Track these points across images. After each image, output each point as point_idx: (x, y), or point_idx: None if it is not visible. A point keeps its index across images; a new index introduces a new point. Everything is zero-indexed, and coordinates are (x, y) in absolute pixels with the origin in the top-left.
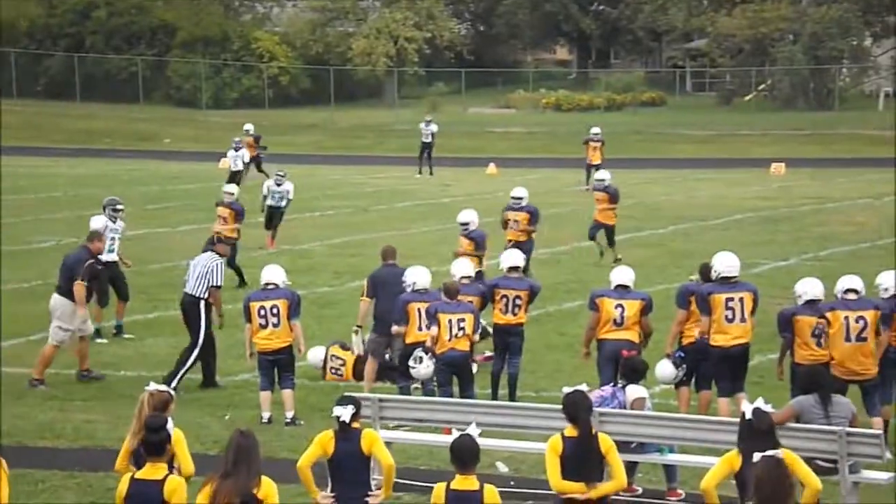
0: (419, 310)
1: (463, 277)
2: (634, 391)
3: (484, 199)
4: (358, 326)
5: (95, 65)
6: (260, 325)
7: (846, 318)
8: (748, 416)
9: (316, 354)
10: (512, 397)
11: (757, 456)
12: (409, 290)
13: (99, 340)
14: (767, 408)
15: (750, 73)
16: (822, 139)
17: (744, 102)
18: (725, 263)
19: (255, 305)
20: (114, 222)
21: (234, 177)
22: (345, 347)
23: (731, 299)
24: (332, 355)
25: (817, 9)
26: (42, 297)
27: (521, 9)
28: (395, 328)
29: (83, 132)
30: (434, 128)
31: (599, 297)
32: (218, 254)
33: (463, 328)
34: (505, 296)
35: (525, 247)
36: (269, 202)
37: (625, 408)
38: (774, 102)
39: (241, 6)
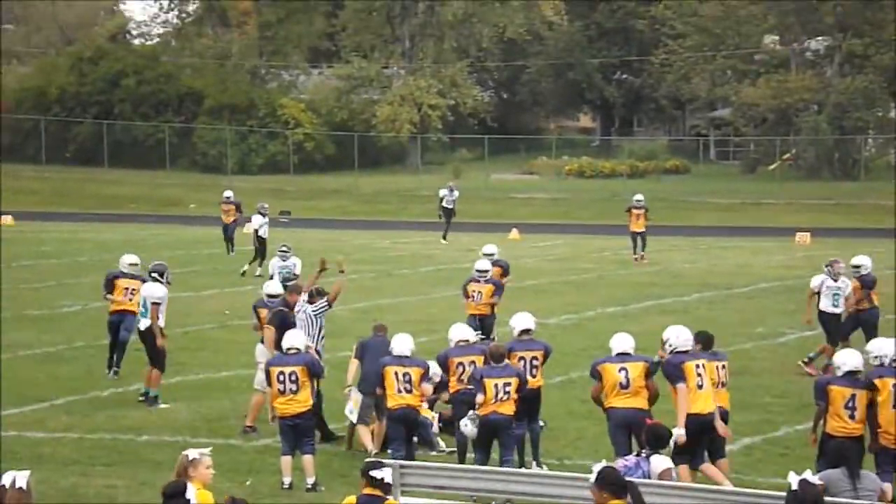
0: (396, 373)
1: (460, 341)
2: (661, 462)
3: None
4: (348, 386)
5: (124, 131)
6: (279, 390)
7: (895, 385)
8: (794, 486)
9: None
10: (536, 456)
11: None
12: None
13: None
14: (814, 480)
15: (774, 142)
16: (847, 209)
17: (768, 171)
18: (682, 339)
19: (274, 370)
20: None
21: (263, 244)
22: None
23: (698, 366)
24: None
25: (842, 79)
26: (67, 361)
27: (544, 77)
28: (378, 390)
29: (110, 198)
30: (457, 194)
31: (601, 365)
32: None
33: (508, 392)
34: (522, 358)
35: (488, 321)
36: (276, 280)
37: (649, 478)
38: (799, 172)
39: (268, 74)
